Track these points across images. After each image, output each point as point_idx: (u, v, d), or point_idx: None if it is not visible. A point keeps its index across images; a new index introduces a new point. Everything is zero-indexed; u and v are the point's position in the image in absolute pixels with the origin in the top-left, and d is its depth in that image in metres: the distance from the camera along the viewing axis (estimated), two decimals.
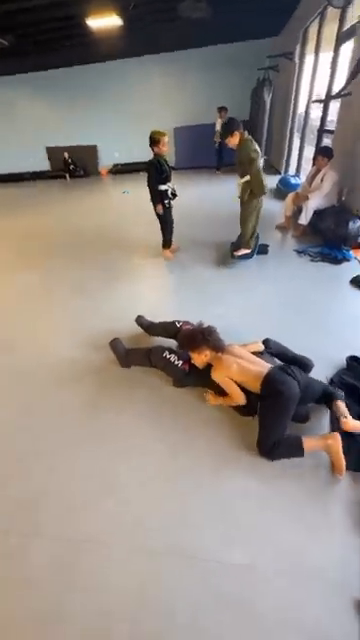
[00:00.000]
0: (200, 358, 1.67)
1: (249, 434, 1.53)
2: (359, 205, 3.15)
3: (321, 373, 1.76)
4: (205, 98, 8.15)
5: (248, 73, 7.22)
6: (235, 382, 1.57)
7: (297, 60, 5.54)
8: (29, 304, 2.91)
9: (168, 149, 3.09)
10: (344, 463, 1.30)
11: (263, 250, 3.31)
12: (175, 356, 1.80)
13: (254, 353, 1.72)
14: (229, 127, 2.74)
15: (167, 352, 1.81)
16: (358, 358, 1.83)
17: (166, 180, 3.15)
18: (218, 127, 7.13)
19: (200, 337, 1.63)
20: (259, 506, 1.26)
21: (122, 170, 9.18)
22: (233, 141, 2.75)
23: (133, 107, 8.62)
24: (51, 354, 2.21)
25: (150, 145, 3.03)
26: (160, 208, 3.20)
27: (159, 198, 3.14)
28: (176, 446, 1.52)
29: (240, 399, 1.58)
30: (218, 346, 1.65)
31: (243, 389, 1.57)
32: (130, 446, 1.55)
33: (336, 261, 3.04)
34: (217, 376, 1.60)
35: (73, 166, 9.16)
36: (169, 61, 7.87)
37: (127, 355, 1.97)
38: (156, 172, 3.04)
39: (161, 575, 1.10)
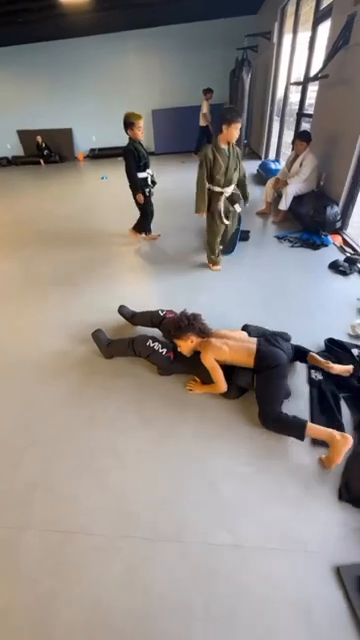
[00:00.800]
0: (187, 345, 1.67)
1: (233, 416, 1.57)
2: (336, 191, 3.20)
3: None
4: (184, 79, 7.90)
5: (227, 53, 7.04)
6: (226, 362, 1.59)
7: (275, 40, 5.43)
8: (6, 295, 2.81)
9: (144, 133, 2.96)
10: (339, 462, 1.31)
11: (244, 237, 3.32)
12: (159, 344, 1.80)
13: None
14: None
15: (151, 341, 1.80)
16: (336, 341, 1.89)
17: (145, 167, 3.02)
18: (205, 110, 6.91)
19: (185, 323, 1.63)
20: (243, 486, 1.31)
21: (100, 155, 8.85)
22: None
23: (110, 88, 8.24)
24: (32, 348, 2.16)
25: (125, 129, 2.88)
26: (141, 197, 3.09)
27: (139, 187, 3.02)
28: (162, 432, 1.54)
29: (223, 388, 1.61)
30: (204, 330, 1.67)
31: (227, 369, 1.61)
32: (116, 434, 1.55)
33: (315, 246, 3.09)
34: (207, 360, 1.60)
35: (47, 151, 8.74)
36: (146, 39, 7.53)
37: (109, 346, 1.95)
38: (133, 159, 2.91)
39: (149, 559, 1.13)
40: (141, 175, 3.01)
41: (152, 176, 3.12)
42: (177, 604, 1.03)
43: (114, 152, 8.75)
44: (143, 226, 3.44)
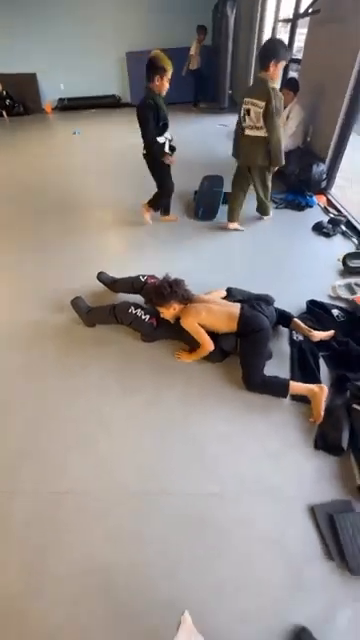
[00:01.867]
0: (169, 312, 1.65)
1: (218, 380, 1.61)
2: (323, 147, 3.06)
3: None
4: (161, 16, 6.99)
5: None
6: (206, 328, 1.59)
7: None
8: None
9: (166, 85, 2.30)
10: (323, 413, 1.37)
11: (227, 199, 3.17)
12: (142, 311, 1.77)
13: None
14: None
15: (133, 307, 1.76)
16: (317, 302, 1.92)
17: (164, 129, 2.43)
18: (192, 51, 6.15)
19: (168, 291, 1.60)
20: (226, 443, 1.37)
21: (70, 106, 7.97)
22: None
23: (78, 27, 7.20)
24: (8, 318, 2.07)
25: (148, 75, 2.25)
26: (170, 159, 2.52)
27: (162, 149, 2.46)
28: (147, 399, 1.56)
29: (210, 346, 1.61)
30: (186, 297, 1.64)
31: (211, 334, 1.61)
32: (100, 402, 1.56)
33: (300, 207, 3.02)
34: (187, 324, 1.60)
35: (10, 100, 7.76)
36: None
37: (90, 313, 1.90)
38: (153, 117, 2.30)
39: (137, 513, 1.19)
40: (160, 139, 2.42)
41: (170, 141, 2.53)
42: (164, 547, 1.11)
43: (86, 102, 7.92)
44: (162, 203, 2.86)
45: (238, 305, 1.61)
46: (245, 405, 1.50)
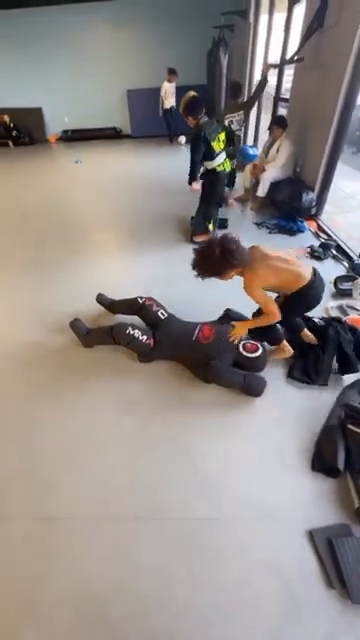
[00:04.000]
0: (227, 278, 1.48)
1: (212, 399, 1.62)
2: (312, 177, 3.25)
3: None
4: (160, 58, 7.58)
5: (204, 32, 6.80)
6: (273, 289, 1.51)
7: (252, 20, 5.31)
8: None
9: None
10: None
11: (222, 224, 3.31)
12: (139, 332, 1.80)
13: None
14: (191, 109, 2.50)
15: (130, 328, 1.80)
16: (310, 318, 1.98)
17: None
18: (163, 92, 6.61)
19: (220, 261, 1.36)
20: (221, 462, 1.37)
21: (73, 137, 8.42)
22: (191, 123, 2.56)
23: (82, 65, 7.77)
24: (9, 339, 2.09)
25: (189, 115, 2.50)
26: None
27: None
28: (142, 418, 1.56)
29: (277, 315, 1.47)
30: (245, 260, 1.40)
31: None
32: (96, 422, 1.56)
33: (292, 232, 3.15)
34: (254, 293, 1.43)
35: (16, 132, 8.21)
36: (117, 11, 7.13)
37: (88, 335, 1.93)
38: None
39: (132, 536, 1.17)
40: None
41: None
42: (160, 573, 1.08)
43: (88, 134, 8.37)
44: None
45: (311, 268, 1.52)
46: (242, 425, 1.50)
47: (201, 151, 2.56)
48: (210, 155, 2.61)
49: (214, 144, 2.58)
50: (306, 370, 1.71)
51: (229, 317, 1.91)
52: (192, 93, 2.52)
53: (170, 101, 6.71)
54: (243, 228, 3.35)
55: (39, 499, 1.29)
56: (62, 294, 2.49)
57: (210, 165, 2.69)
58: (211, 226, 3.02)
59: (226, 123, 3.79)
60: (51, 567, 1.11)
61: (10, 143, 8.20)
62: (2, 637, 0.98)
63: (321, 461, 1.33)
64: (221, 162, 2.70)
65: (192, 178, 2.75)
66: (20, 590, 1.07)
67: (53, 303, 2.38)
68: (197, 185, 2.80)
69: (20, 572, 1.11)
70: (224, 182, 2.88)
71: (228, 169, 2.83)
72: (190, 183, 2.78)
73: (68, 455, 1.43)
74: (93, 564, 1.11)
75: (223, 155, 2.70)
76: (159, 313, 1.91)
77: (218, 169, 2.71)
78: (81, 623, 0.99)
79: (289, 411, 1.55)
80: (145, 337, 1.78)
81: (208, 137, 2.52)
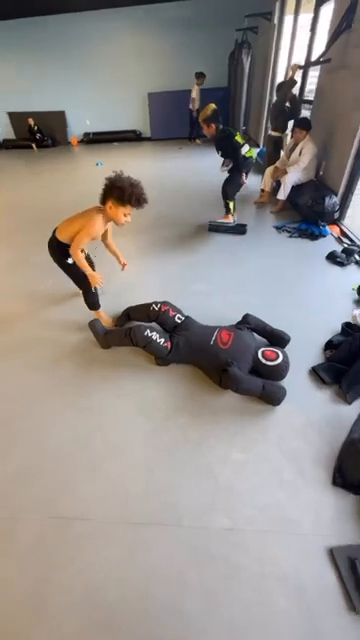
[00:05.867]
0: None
1: (231, 405, 1.59)
2: (335, 180, 3.16)
3: (298, 344, 1.83)
4: (182, 61, 7.63)
5: (226, 35, 6.81)
6: None
7: (276, 21, 5.26)
8: (0, 284, 2.76)
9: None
10: None
11: (241, 230, 3.26)
12: (157, 334, 1.80)
13: None
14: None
15: (149, 330, 1.79)
16: (351, 324, 1.93)
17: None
18: (194, 94, 6.81)
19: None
20: (240, 472, 1.33)
21: (95, 140, 8.59)
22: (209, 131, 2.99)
23: (104, 69, 7.94)
24: (27, 336, 2.14)
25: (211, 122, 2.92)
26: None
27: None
28: (159, 421, 1.55)
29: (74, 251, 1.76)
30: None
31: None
32: (112, 421, 1.56)
33: (313, 237, 3.08)
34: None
35: (40, 134, 8.45)
36: (140, 17, 7.23)
37: (106, 336, 1.94)
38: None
39: (145, 543, 1.15)
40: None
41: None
42: (173, 582, 1.06)
43: (109, 137, 8.52)
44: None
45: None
46: (260, 434, 1.47)
47: (235, 145, 2.96)
48: (240, 144, 3.03)
49: (238, 138, 2.98)
50: (337, 375, 1.66)
51: (248, 322, 1.88)
52: (213, 106, 2.93)
53: (197, 103, 6.81)
54: (262, 231, 3.30)
55: (53, 498, 1.29)
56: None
57: (242, 151, 3.06)
58: (232, 204, 3.32)
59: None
60: (62, 569, 1.11)
61: (34, 145, 8.43)
62: (13, 637, 0.98)
63: (343, 476, 1.27)
64: (248, 150, 3.07)
65: (240, 172, 3.13)
66: (30, 591, 1.07)
67: (71, 303, 2.42)
68: (244, 178, 3.20)
69: (31, 572, 1.11)
70: (250, 166, 3.22)
71: (254, 156, 3.19)
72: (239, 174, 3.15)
73: (83, 455, 1.44)
74: (105, 568, 1.10)
75: (247, 146, 3.06)
76: (176, 318, 1.90)
77: (247, 155, 3.09)
78: (90, 628, 0.98)
79: (309, 422, 1.50)
80: (163, 340, 1.77)
81: (232, 132, 2.98)
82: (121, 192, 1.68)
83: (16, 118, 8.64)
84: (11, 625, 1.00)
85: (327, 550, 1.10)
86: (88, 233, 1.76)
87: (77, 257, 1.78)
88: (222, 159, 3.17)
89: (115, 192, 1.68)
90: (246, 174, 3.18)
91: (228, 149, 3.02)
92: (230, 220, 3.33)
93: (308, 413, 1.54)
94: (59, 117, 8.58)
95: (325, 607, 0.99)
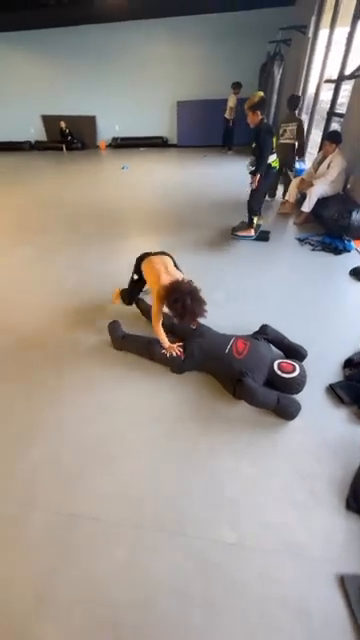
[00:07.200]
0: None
1: (245, 416, 1.57)
2: None
3: (316, 360, 1.79)
4: (211, 71, 7.73)
5: (258, 46, 6.86)
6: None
7: (311, 35, 5.25)
8: (23, 284, 2.85)
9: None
10: None
11: (264, 237, 3.27)
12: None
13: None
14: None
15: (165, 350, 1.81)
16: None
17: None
18: (231, 104, 6.84)
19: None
20: (249, 487, 1.31)
21: (122, 144, 8.80)
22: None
23: (136, 77, 8.14)
24: (47, 332, 2.19)
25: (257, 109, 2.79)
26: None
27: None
28: (171, 427, 1.55)
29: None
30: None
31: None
32: (125, 423, 1.58)
33: (337, 251, 3.02)
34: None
35: (70, 137, 8.74)
36: (175, 28, 7.39)
37: (123, 339, 1.96)
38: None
39: (151, 549, 1.15)
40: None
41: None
42: (176, 592, 1.05)
43: (137, 142, 8.69)
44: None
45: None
46: (272, 448, 1.44)
47: (270, 147, 2.85)
48: (271, 150, 2.93)
49: (274, 141, 2.91)
50: (357, 395, 1.61)
51: (266, 333, 1.86)
52: (261, 93, 2.86)
53: (234, 112, 6.85)
54: (285, 242, 3.27)
55: (64, 494, 1.31)
56: (103, 295, 2.55)
57: (269, 159, 2.96)
58: (256, 219, 3.25)
59: (280, 131, 3.98)
60: (69, 565, 1.12)
61: (63, 147, 8.73)
62: (19, 629, 1.00)
63: (357, 501, 1.23)
64: (274, 159, 3.03)
65: (259, 172, 2.97)
66: (37, 585, 1.08)
67: (91, 302, 2.47)
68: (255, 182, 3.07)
69: (39, 565, 1.13)
70: (277, 178, 3.18)
71: (277, 167, 3.14)
72: (254, 174, 3.01)
73: (95, 455, 1.45)
74: (110, 568, 1.11)
75: (275, 155, 3.02)
76: (191, 325, 1.90)
77: (273, 164, 3.03)
78: (95, 626, 0.99)
79: (324, 442, 1.46)
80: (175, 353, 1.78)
81: (274, 133, 2.91)
82: (177, 311, 1.59)
83: (49, 121, 8.97)
84: (16, 615, 1.02)
85: (335, 576, 1.07)
86: (156, 313, 1.76)
87: (156, 331, 1.80)
88: (249, 158, 3.15)
89: (172, 308, 1.61)
90: (270, 196, 3.13)
91: (264, 145, 2.84)
92: (252, 233, 3.30)
93: (323, 432, 1.50)
94: (89, 122, 8.86)
95: (331, 635, 0.96)
